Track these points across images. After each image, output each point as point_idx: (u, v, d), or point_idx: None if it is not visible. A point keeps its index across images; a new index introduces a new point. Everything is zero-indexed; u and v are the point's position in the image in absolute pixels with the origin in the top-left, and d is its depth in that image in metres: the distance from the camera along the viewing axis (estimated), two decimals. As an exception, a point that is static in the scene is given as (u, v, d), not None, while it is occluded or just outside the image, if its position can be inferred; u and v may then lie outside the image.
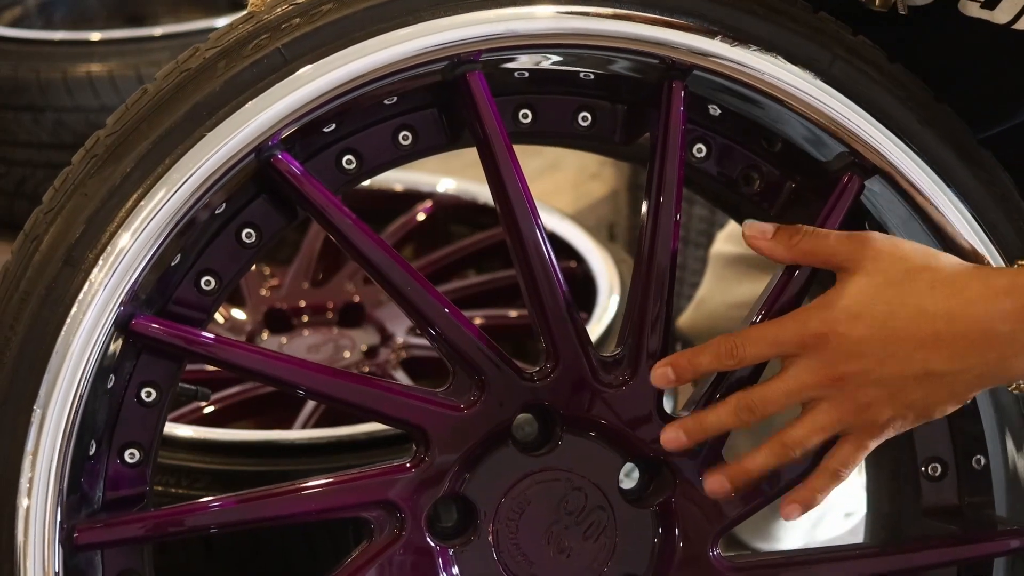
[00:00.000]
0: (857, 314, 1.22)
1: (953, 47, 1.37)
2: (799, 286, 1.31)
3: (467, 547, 1.33)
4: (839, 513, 2.15)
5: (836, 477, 1.28)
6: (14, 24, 3.27)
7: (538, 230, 1.29)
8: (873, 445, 1.27)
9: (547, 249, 1.29)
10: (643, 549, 1.35)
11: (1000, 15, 1.32)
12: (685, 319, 2.15)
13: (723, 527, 1.36)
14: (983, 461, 1.42)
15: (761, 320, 1.30)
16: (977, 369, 1.22)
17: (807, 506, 1.28)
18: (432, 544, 1.32)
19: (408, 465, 1.31)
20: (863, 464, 1.40)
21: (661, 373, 1.28)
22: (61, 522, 1.21)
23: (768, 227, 1.28)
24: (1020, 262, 1.28)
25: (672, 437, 1.28)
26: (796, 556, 1.46)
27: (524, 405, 1.32)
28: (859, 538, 2.12)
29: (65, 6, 3.46)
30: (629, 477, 1.36)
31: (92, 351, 1.20)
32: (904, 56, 1.35)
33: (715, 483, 1.28)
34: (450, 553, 1.33)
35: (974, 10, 1.33)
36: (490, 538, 1.33)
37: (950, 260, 1.26)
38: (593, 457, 1.33)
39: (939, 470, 1.43)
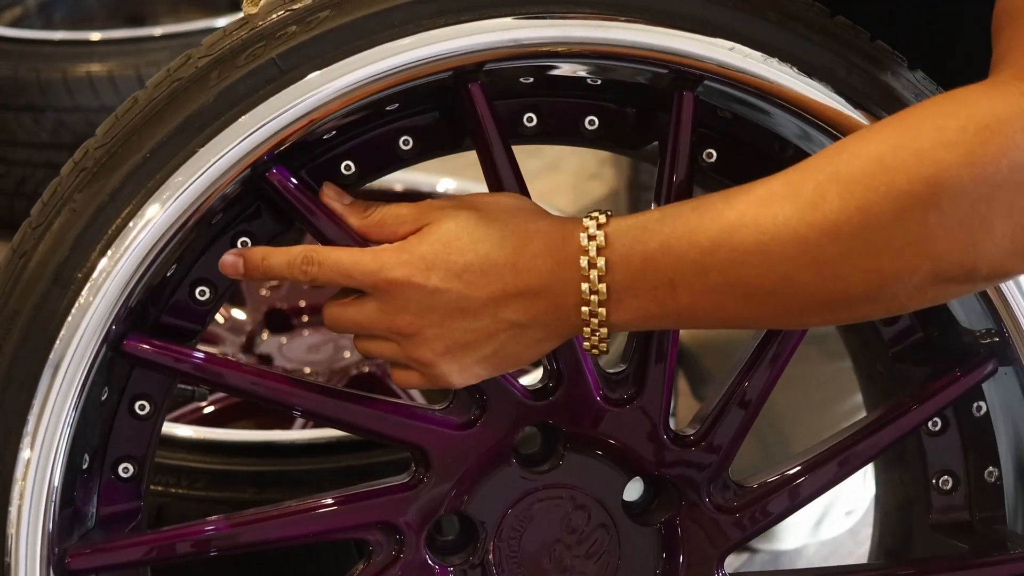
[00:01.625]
0: (432, 263, 1.18)
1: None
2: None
3: (468, 566, 1.31)
4: (840, 512, 2.13)
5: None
6: (14, 24, 3.27)
7: None
8: (433, 387, 1.23)
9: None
10: (646, 569, 1.33)
11: None
12: (688, 335, 2.12)
13: (728, 548, 1.34)
14: (996, 474, 1.39)
15: None
16: (543, 318, 1.18)
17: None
18: (432, 564, 1.30)
19: (407, 485, 1.28)
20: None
21: (231, 262, 1.24)
22: (52, 546, 1.19)
23: (346, 194, 1.26)
24: (595, 214, 1.20)
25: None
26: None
27: (526, 424, 1.29)
28: (860, 539, 2.12)
29: (65, 6, 3.45)
30: (634, 486, 1.34)
31: (83, 373, 1.17)
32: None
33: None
34: (450, 572, 1.31)
35: None
36: (491, 556, 1.31)
37: (523, 211, 1.22)
38: (597, 475, 1.31)
39: (951, 483, 1.40)
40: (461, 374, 1.21)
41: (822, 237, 1.10)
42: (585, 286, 1.16)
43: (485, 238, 1.18)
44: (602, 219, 1.17)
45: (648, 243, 1.15)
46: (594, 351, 1.20)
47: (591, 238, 1.16)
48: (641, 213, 1.18)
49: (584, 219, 1.18)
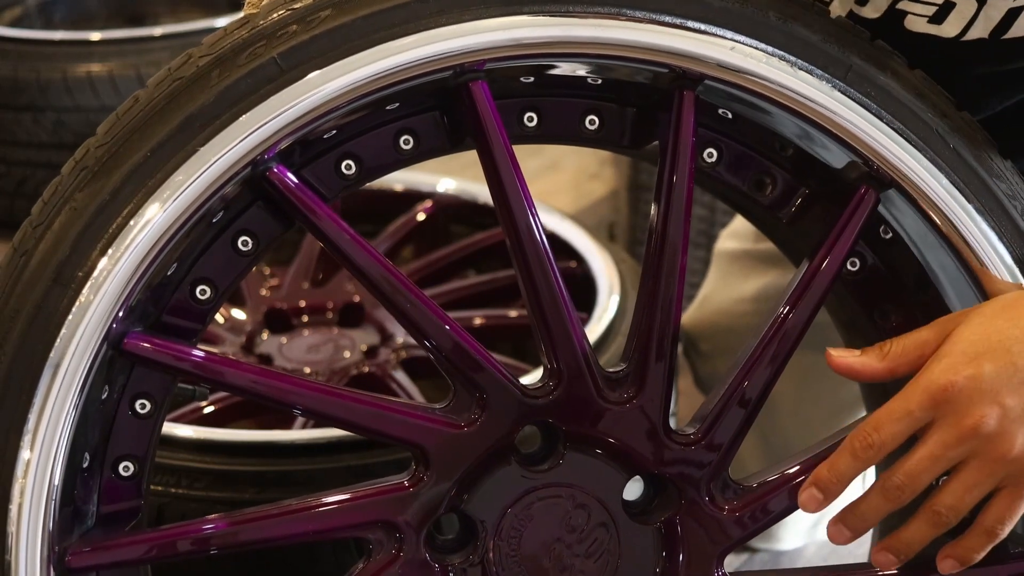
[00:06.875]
0: (976, 353, 1.18)
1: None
2: (830, 274, 1.30)
3: (467, 564, 1.31)
4: (840, 514, 2.13)
5: (992, 535, 1.24)
6: (14, 24, 3.27)
7: (544, 251, 1.26)
8: None
9: (553, 268, 1.26)
10: (646, 569, 1.33)
11: (948, 29, 1.30)
12: (689, 317, 2.13)
13: (728, 547, 1.34)
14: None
15: (789, 310, 1.29)
16: None
17: (964, 564, 1.26)
18: (432, 562, 1.30)
19: (407, 484, 1.28)
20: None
21: (808, 497, 1.26)
22: (53, 544, 1.19)
23: (853, 351, 1.26)
24: None
25: (835, 532, 1.27)
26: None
27: (526, 423, 1.29)
28: (859, 539, 2.11)
29: (65, 6, 3.45)
30: (634, 485, 1.34)
31: (83, 371, 1.17)
32: None
33: (884, 560, 1.28)
34: (450, 571, 1.31)
35: (920, 26, 1.32)
36: (491, 555, 1.31)
37: None
38: (597, 474, 1.31)
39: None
40: None
41: None
42: None
43: (1015, 315, 1.19)
44: None
45: None
46: None
47: None
48: None
49: None
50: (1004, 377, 1.17)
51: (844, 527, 1.26)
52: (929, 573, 1.31)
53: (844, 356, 1.25)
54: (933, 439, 1.19)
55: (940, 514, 1.22)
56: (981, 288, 1.30)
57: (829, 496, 1.26)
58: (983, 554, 1.26)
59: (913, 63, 1.32)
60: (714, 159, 1.34)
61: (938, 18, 1.30)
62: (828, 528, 1.27)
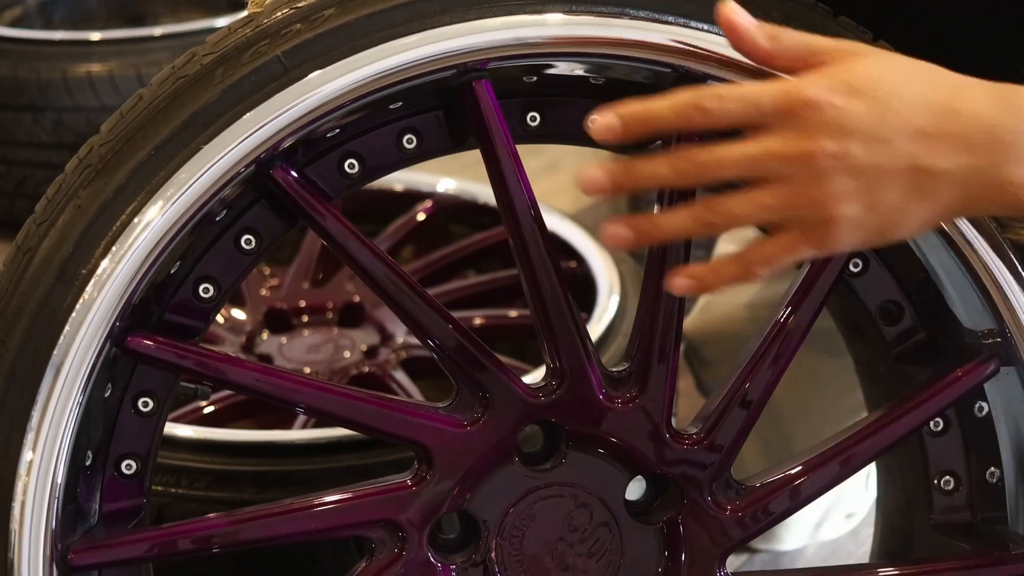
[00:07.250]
0: (858, 89, 1.06)
1: (924, 14, 1.32)
2: (832, 276, 1.30)
3: (470, 564, 1.32)
4: (841, 514, 2.13)
5: (747, 269, 1.10)
6: (14, 24, 3.28)
7: (547, 251, 1.26)
8: (808, 252, 1.09)
9: (556, 268, 1.27)
10: (648, 569, 1.33)
11: None
12: (692, 323, 2.13)
13: (730, 547, 1.34)
14: (997, 474, 1.39)
15: (791, 311, 1.28)
16: (965, 174, 1.07)
17: (697, 284, 1.11)
18: (434, 561, 1.30)
19: (409, 483, 1.29)
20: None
21: (604, 123, 1.08)
22: (55, 542, 1.19)
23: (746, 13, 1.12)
24: None
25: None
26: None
27: (529, 422, 1.30)
28: (860, 539, 2.12)
29: (65, 6, 3.46)
30: (636, 485, 1.34)
31: (86, 369, 1.17)
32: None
33: (616, 233, 1.11)
34: (452, 570, 1.31)
35: None
36: (493, 555, 1.31)
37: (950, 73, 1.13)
38: (599, 474, 1.31)
39: (952, 484, 1.40)
40: (850, 230, 1.07)
41: None
42: None
43: (917, 80, 1.08)
44: None
45: None
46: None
47: None
48: None
49: None
50: (866, 124, 1.06)
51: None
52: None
53: (736, 10, 1.11)
54: (759, 139, 1.07)
55: (710, 210, 1.09)
56: (972, 274, 1.30)
57: (625, 129, 1.09)
58: (723, 284, 1.12)
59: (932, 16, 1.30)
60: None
61: None
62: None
